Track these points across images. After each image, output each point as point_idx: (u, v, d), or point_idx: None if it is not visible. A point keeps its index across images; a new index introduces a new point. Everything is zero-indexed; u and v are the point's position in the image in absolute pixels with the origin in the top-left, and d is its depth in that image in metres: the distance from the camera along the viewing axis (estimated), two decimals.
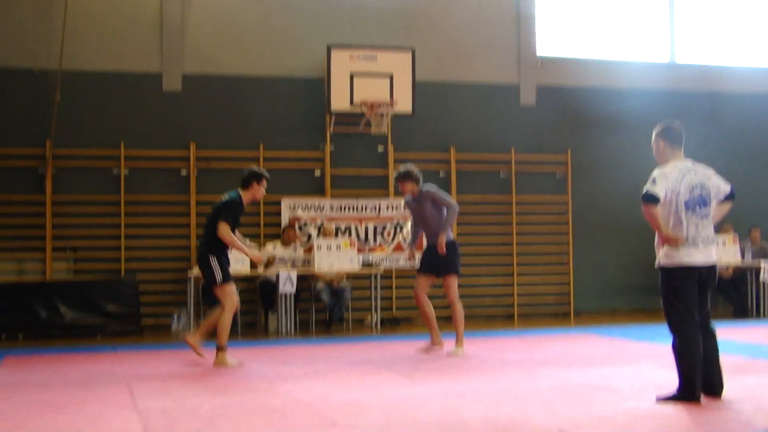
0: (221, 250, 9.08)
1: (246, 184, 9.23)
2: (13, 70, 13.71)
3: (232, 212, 9.04)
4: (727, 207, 6.59)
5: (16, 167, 13.60)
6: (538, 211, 15.55)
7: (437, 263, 9.76)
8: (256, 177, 9.26)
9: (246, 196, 9.19)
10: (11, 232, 13.48)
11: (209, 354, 9.07)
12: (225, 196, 9.22)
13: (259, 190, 9.26)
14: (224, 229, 8.91)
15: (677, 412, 5.92)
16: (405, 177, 9.91)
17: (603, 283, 15.71)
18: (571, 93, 15.80)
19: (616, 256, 15.71)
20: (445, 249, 9.62)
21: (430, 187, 9.89)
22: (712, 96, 16.28)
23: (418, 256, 10.40)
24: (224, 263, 9.08)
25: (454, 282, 9.77)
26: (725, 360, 6.51)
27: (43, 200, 13.54)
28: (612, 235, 15.71)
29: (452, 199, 10.04)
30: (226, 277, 9.06)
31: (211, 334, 9.18)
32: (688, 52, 16.77)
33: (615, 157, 15.69)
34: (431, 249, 9.81)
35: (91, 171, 13.86)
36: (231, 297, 9.08)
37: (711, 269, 6.36)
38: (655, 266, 6.44)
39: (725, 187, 6.49)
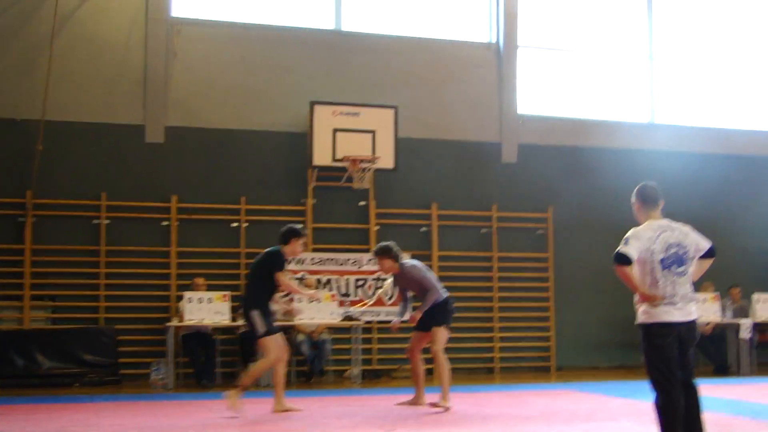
0: (263, 303, 9.20)
1: (285, 240, 9.35)
2: None
3: (282, 261, 9.22)
4: (706, 264, 6.59)
5: None
6: (519, 267, 15.59)
7: (426, 320, 9.69)
8: (295, 234, 9.39)
9: (286, 253, 9.30)
10: None
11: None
12: (266, 251, 9.44)
13: (298, 246, 9.39)
14: (284, 279, 9.24)
15: None
16: (381, 253, 9.74)
17: (584, 339, 15.72)
18: (552, 151, 15.93)
19: (597, 313, 15.74)
20: (418, 318, 9.63)
21: (411, 267, 9.78)
22: (692, 156, 16.44)
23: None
24: (268, 316, 9.17)
25: (439, 333, 9.61)
26: (707, 417, 6.50)
27: (23, 249, 13.47)
28: (593, 291, 15.74)
29: (432, 280, 9.82)
30: (270, 329, 9.13)
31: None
32: (668, 112, 16.98)
33: (596, 214, 15.78)
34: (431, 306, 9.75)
35: (71, 220, 13.81)
36: (272, 350, 9.15)
37: (690, 325, 6.35)
38: (635, 324, 6.45)
39: (704, 244, 6.49)
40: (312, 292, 10.07)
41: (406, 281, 9.85)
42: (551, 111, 16.36)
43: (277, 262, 9.20)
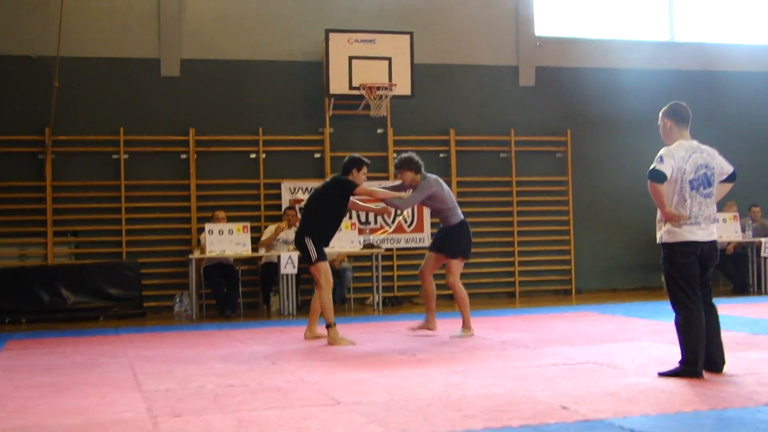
0: (318, 231, 9.09)
1: (347, 171, 9.17)
2: (11, 57, 13.70)
3: (348, 187, 9.05)
4: (727, 188, 6.66)
5: (15, 153, 13.61)
6: (538, 191, 15.57)
7: (445, 243, 9.55)
8: (357, 164, 9.17)
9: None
10: (13, 217, 13.51)
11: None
12: (332, 177, 9.38)
13: (360, 178, 9.14)
14: (362, 188, 9.10)
15: (679, 386, 5.95)
16: (403, 165, 9.44)
17: (604, 262, 15.76)
18: (570, 73, 15.78)
19: (616, 235, 15.74)
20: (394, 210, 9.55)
21: (434, 181, 9.42)
22: (712, 74, 16.27)
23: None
24: (320, 244, 9.09)
25: (453, 264, 9.46)
26: (726, 336, 6.55)
27: (44, 186, 13.56)
28: (612, 214, 15.73)
29: (420, 195, 9.40)
30: (321, 256, 9.07)
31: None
32: (687, 30, 16.73)
33: (615, 136, 15.71)
34: (442, 230, 9.63)
35: (90, 156, 13.87)
36: (326, 275, 9.11)
37: (712, 245, 6.41)
38: (657, 243, 6.48)
39: (728, 168, 6.56)
40: (380, 207, 9.65)
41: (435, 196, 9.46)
42: (569, 32, 16.17)
43: (345, 186, 9.03)
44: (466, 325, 9.48)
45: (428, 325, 9.70)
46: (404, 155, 9.53)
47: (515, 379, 6.47)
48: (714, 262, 6.47)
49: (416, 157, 9.48)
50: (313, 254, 9.03)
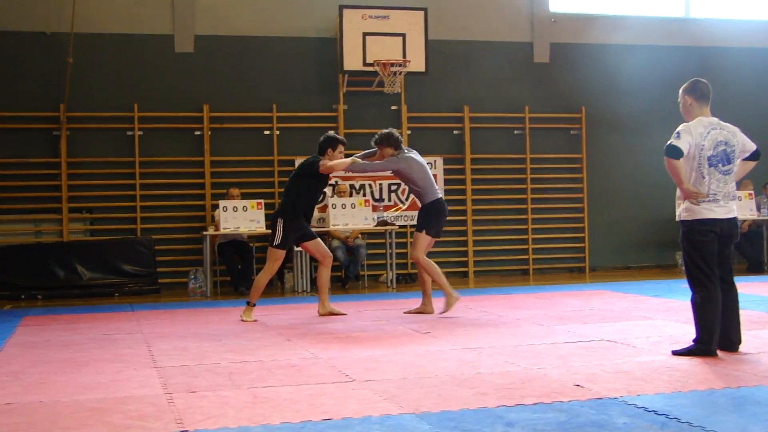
0: (290, 214, 9.18)
1: (322, 151, 9.24)
2: (25, 34, 13.73)
3: (316, 167, 9.09)
4: (750, 166, 6.63)
5: (30, 130, 13.65)
6: (552, 168, 15.54)
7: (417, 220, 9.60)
8: (331, 143, 9.24)
9: (323, 162, 9.16)
10: (28, 194, 13.56)
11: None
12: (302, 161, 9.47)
13: (335, 156, 9.17)
14: (328, 164, 9.05)
15: (693, 365, 5.95)
16: (382, 141, 9.44)
17: (618, 239, 15.74)
18: (585, 50, 15.70)
19: (631, 213, 15.71)
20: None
21: (409, 158, 9.36)
22: (728, 50, 16.16)
23: None
24: (288, 232, 9.17)
25: (418, 238, 9.34)
26: (741, 314, 6.53)
27: (59, 162, 13.60)
28: (627, 191, 15.69)
29: (383, 165, 9.42)
30: (283, 244, 9.21)
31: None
32: (703, 5, 16.60)
33: (629, 113, 15.65)
34: (420, 208, 9.61)
35: (105, 133, 13.91)
36: (274, 262, 9.32)
37: (731, 222, 6.38)
38: (676, 220, 6.47)
39: (750, 146, 6.52)
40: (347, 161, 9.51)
41: (400, 171, 9.43)
42: (583, 8, 16.07)
43: (313, 166, 9.12)
44: (447, 293, 9.31)
45: (424, 309, 9.59)
46: (384, 131, 9.54)
47: (529, 356, 6.48)
48: (734, 240, 6.44)
49: (396, 133, 9.53)
50: (277, 239, 9.19)
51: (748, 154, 6.52)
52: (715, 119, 6.45)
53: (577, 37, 15.76)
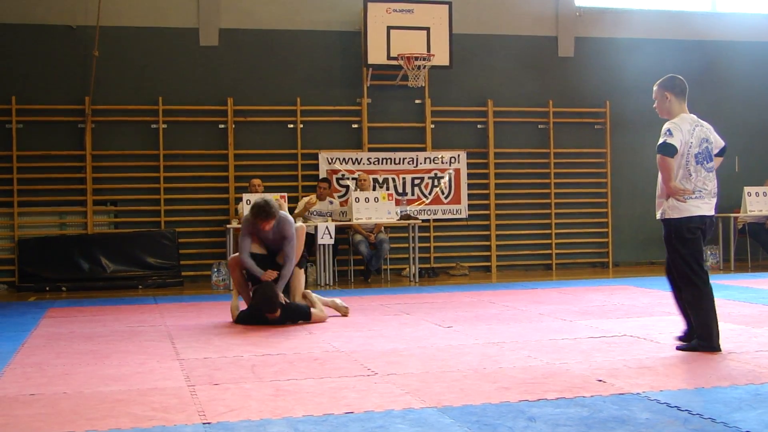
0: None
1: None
2: (51, 27, 13.78)
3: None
4: (718, 162, 6.62)
5: (56, 123, 13.72)
6: (576, 162, 15.48)
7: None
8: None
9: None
10: (53, 186, 13.64)
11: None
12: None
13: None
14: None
15: (716, 361, 5.93)
16: (268, 215, 8.22)
17: (642, 235, 15.64)
18: (610, 44, 15.62)
19: (654, 208, 15.57)
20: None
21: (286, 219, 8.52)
22: (755, 45, 16.02)
23: None
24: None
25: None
26: (762, 310, 6.49)
27: (84, 155, 13.67)
28: (651, 186, 15.37)
29: (297, 241, 8.60)
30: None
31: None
32: (729, 1, 16.49)
33: (654, 109, 15.50)
34: None
35: (129, 125, 13.97)
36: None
37: (712, 219, 6.44)
38: (658, 218, 6.48)
39: (720, 142, 6.61)
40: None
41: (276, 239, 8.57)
42: (609, 2, 15.99)
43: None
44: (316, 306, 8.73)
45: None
46: (258, 202, 8.28)
47: (551, 351, 6.47)
48: (709, 236, 6.47)
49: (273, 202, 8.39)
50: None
51: (718, 150, 6.52)
52: (695, 116, 6.46)
53: (602, 32, 15.67)
